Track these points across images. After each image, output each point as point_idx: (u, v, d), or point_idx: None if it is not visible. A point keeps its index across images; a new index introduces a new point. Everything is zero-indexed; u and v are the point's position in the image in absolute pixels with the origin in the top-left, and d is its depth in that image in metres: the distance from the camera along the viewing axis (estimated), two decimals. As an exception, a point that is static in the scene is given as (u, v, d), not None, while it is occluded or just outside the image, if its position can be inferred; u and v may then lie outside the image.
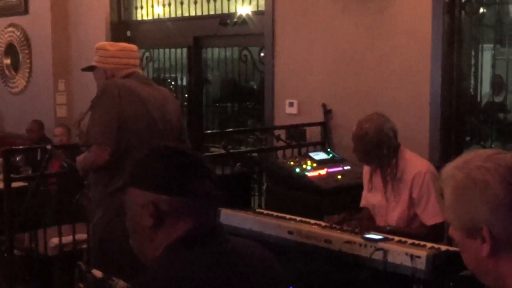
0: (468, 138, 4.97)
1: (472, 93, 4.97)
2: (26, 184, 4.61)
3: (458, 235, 1.37)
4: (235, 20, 6.05)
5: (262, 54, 6.07)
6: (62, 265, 4.29)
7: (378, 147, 3.51)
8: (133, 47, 3.55)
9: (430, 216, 3.46)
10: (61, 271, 4.30)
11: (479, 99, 5.03)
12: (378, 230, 3.33)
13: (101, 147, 3.17)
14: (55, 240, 4.32)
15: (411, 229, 3.48)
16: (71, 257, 4.00)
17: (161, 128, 3.34)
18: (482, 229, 1.31)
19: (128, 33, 7.28)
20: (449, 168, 1.39)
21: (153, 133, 3.29)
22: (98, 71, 3.44)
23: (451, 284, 2.84)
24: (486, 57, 5.08)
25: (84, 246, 4.21)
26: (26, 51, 8.11)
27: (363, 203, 3.79)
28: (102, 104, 3.22)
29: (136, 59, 3.48)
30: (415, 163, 3.55)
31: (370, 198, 3.71)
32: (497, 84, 4.96)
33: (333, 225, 3.34)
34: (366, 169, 3.77)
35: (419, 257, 2.79)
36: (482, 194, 1.32)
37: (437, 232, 3.43)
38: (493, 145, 4.85)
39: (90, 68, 3.50)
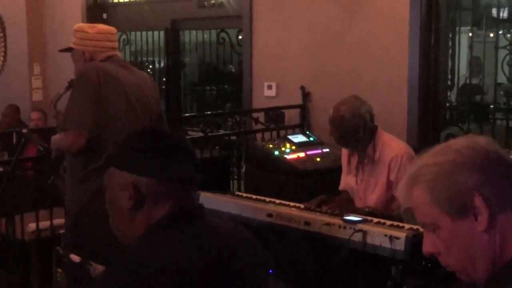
0: (445, 120, 5.01)
1: (450, 76, 5.00)
2: (1, 169, 4.55)
3: (448, 222, 1.33)
4: (213, 2, 6.00)
5: (240, 37, 6.03)
6: (39, 250, 4.24)
7: (354, 130, 3.51)
8: (112, 29, 3.50)
9: None
10: (39, 256, 4.25)
11: (456, 82, 5.07)
12: (357, 211, 3.34)
13: (79, 132, 3.13)
14: (32, 226, 4.27)
15: (390, 210, 3.50)
16: (49, 242, 3.97)
17: (139, 112, 3.31)
18: (474, 197, 1.30)
19: (104, 16, 7.20)
20: (420, 164, 1.38)
21: (131, 117, 3.27)
22: (76, 53, 3.39)
23: (429, 265, 2.86)
24: (463, 40, 5.11)
25: (62, 231, 4.16)
26: (1, 34, 7.98)
27: (342, 185, 3.80)
28: (80, 88, 3.18)
29: (114, 42, 3.44)
30: (392, 146, 3.55)
31: (349, 181, 3.72)
32: (474, 67, 4.99)
33: (312, 208, 3.35)
34: (344, 152, 3.77)
35: (398, 238, 2.81)
36: (464, 164, 1.33)
37: None
38: (470, 127, 4.89)
39: (68, 50, 3.45)
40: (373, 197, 3.56)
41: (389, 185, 3.52)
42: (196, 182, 1.67)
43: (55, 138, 3.31)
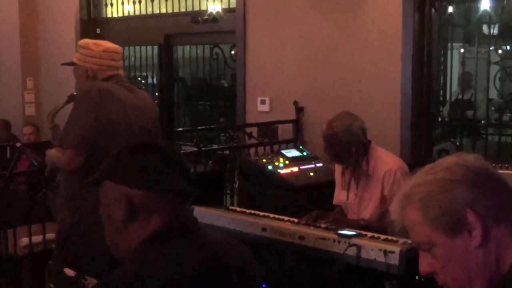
0: (438, 135, 5.03)
1: (442, 91, 5.03)
2: (-6, 183, 4.52)
3: (442, 240, 1.34)
4: (206, 17, 6.02)
5: (233, 52, 6.06)
6: (32, 265, 4.22)
7: (347, 146, 3.52)
8: (118, 48, 3.45)
9: None
10: (31, 271, 4.23)
11: (448, 97, 5.10)
12: (352, 224, 3.34)
13: (76, 152, 3.11)
14: (25, 240, 4.25)
15: (384, 223, 3.50)
16: (42, 257, 3.94)
17: (137, 133, 3.28)
18: (467, 213, 1.31)
19: (98, 31, 7.21)
20: (411, 184, 1.39)
21: (129, 137, 3.23)
22: (79, 68, 3.35)
23: (422, 279, 2.86)
24: (455, 55, 5.15)
25: (54, 245, 4.15)
26: (-6, 48, 7.97)
27: (335, 200, 3.80)
28: (82, 107, 3.14)
29: (119, 61, 3.39)
30: (386, 161, 3.56)
31: (342, 196, 3.72)
32: (465, 82, 5.02)
33: (308, 223, 3.35)
34: (337, 168, 3.78)
35: (392, 252, 2.81)
36: (455, 181, 1.34)
37: None
38: (463, 142, 4.92)
39: (71, 64, 3.42)
40: (367, 212, 3.56)
41: (383, 199, 3.52)
42: (189, 194, 1.68)
43: (51, 153, 3.29)
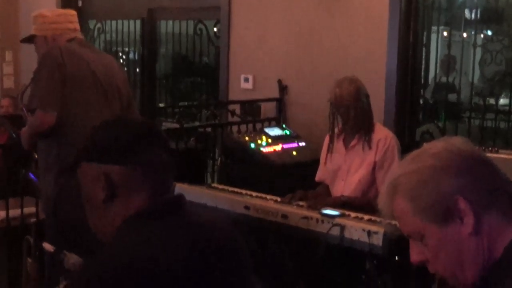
0: (421, 117, 5.03)
1: (423, 74, 5.03)
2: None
3: (433, 230, 1.31)
4: (191, -8, 5.94)
5: (215, 29, 5.99)
6: (9, 239, 4.16)
7: (368, 99, 3.59)
8: (71, 11, 3.48)
9: None
10: (8, 245, 4.18)
11: (431, 80, 5.10)
12: (333, 202, 3.32)
13: (46, 111, 3.05)
14: (1, 214, 4.19)
15: (366, 198, 3.50)
16: (19, 231, 3.89)
17: (107, 91, 3.25)
18: (458, 201, 1.28)
19: (80, 3, 7.07)
20: (399, 173, 1.36)
21: (100, 97, 3.20)
22: (39, 39, 3.33)
23: (403, 260, 2.86)
24: (440, 39, 5.14)
25: (33, 220, 4.09)
26: (-28, 20, 7.81)
27: (319, 176, 3.78)
28: (44, 68, 3.12)
29: (75, 23, 3.39)
30: (381, 129, 3.67)
31: (330, 164, 3.70)
32: (448, 66, 5.02)
33: (290, 202, 3.33)
34: (326, 140, 3.75)
35: (376, 233, 2.80)
36: (443, 168, 1.31)
37: None
38: (445, 124, 4.93)
39: (30, 39, 3.38)
40: (355, 178, 3.57)
41: (374, 166, 3.53)
42: (169, 167, 1.63)
43: (24, 129, 3.24)
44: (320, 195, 3.64)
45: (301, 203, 3.32)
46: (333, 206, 3.22)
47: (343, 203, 3.32)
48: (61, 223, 3.12)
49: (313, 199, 3.43)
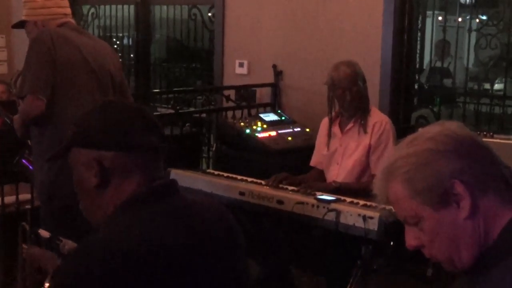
0: (416, 102, 5.03)
1: (420, 59, 5.02)
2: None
3: (430, 213, 1.31)
4: (185, -24, 5.90)
5: (210, 14, 5.96)
6: (4, 225, 4.15)
7: (364, 83, 3.59)
8: None
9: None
10: (3, 232, 4.17)
11: (426, 64, 5.09)
12: (324, 188, 3.32)
13: (35, 96, 3.03)
14: (-4, 200, 4.18)
15: (358, 183, 3.51)
16: (14, 217, 3.88)
17: (100, 77, 3.22)
18: (454, 184, 1.28)
19: (73, -12, 7.02)
20: (395, 157, 1.35)
21: (91, 82, 3.18)
22: (29, 25, 3.30)
23: (398, 245, 2.87)
24: (435, 23, 5.13)
25: (28, 206, 4.08)
26: (-36, 4, 7.75)
27: (314, 161, 3.78)
28: (34, 53, 3.09)
29: (66, 7, 3.34)
30: (377, 113, 3.67)
31: (325, 151, 3.70)
32: (443, 50, 5.01)
33: (274, 185, 3.34)
34: (324, 124, 3.75)
35: (371, 218, 2.81)
36: (440, 152, 1.31)
37: None
38: (440, 108, 4.93)
39: (21, 24, 3.35)
40: (350, 161, 3.58)
41: (369, 150, 3.53)
42: (162, 150, 1.61)
43: (16, 116, 3.23)
44: (309, 179, 3.63)
45: (290, 187, 3.32)
46: (325, 191, 3.23)
47: (335, 189, 3.32)
48: (56, 209, 3.11)
49: (305, 184, 3.42)
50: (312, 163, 3.79)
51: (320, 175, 3.74)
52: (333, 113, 3.69)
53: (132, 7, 6.56)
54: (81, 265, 1.43)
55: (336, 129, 3.68)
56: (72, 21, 3.37)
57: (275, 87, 5.25)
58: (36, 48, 3.08)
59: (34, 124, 3.15)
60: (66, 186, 2.96)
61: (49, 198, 3.17)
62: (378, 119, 3.60)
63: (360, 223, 2.83)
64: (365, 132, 3.56)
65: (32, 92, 3.03)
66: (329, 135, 3.68)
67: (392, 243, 2.86)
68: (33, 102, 3.03)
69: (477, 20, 4.88)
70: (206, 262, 1.54)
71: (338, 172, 3.60)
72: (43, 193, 3.21)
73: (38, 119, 3.07)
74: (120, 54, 6.53)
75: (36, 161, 3.28)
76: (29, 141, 3.37)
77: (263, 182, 3.41)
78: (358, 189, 3.38)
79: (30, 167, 3.53)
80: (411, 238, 1.36)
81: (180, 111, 4.77)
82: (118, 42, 7.02)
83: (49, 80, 3.04)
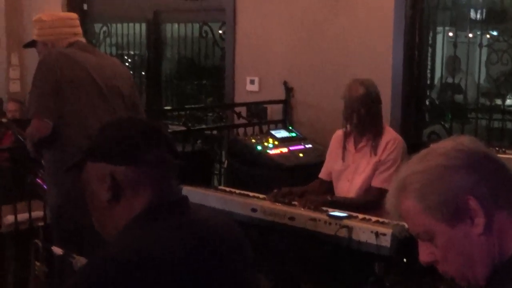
0: (427, 118, 5.02)
1: (431, 74, 5.02)
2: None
3: (443, 229, 1.29)
4: (196, -6, 5.95)
5: (220, 31, 5.99)
6: (17, 243, 4.17)
7: (377, 104, 3.59)
8: (72, 15, 3.43)
9: (383, 179, 3.50)
10: (16, 249, 4.18)
11: (437, 80, 5.08)
12: (321, 202, 3.31)
13: (40, 119, 3.05)
14: (10, 218, 4.19)
15: (351, 198, 3.51)
16: (27, 235, 3.89)
17: (107, 96, 3.22)
18: (468, 200, 1.27)
19: (85, 6, 7.09)
20: (407, 172, 1.34)
21: (99, 100, 3.17)
22: (39, 45, 3.31)
23: (410, 261, 2.85)
24: (445, 39, 5.13)
25: (41, 223, 4.10)
26: (-22, 24, 7.83)
27: (324, 174, 3.76)
28: (39, 75, 3.11)
29: (76, 27, 3.34)
30: (390, 132, 3.66)
31: (338, 165, 3.69)
32: (454, 66, 5.00)
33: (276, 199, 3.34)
34: (337, 138, 3.74)
35: (384, 234, 2.79)
36: (453, 167, 1.30)
37: (378, 196, 3.44)
38: (452, 125, 4.91)
39: (32, 44, 3.37)
40: (360, 179, 3.56)
41: (377, 165, 3.53)
42: (174, 167, 1.63)
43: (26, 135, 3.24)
44: (310, 191, 3.61)
45: (288, 200, 3.32)
46: (321, 205, 3.23)
47: (330, 203, 3.32)
48: (64, 231, 3.12)
49: (304, 198, 3.40)
50: (321, 174, 3.79)
51: (323, 186, 3.73)
52: (348, 127, 3.68)
53: (143, 25, 6.62)
54: (91, 278, 1.45)
55: (350, 145, 3.67)
56: (82, 40, 3.36)
57: (286, 104, 5.26)
58: (41, 70, 3.09)
59: (43, 146, 3.16)
60: (73, 210, 2.99)
61: (58, 221, 3.18)
62: (392, 136, 3.60)
63: (372, 240, 2.82)
64: (375, 154, 3.55)
65: (37, 114, 3.04)
66: (344, 147, 3.67)
67: (405, 259, 2.85)
68: (38, 124, 3.05)
69: (488, 36, 4.88)
70: (215, 277, 1.55)
71: (349, 190, 3.60)
72: (53, 216, 3.23)
73: (45, 141, 3.08)
74: (131, 72, 6.57)
75: (47, 180, 3.30)
76: (42, 160, 3.39)
77: (266, 197, 3.41)
78: (350, 204, 3.40)
79: (44, 186, 3.55)
80: (425, 254, 1.35)
81: (191, 128, 4.79)
82: (129, 60, 7.07)
83: (51, 101, 3.04)
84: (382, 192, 3.44)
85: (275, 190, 3.44)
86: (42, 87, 3.07)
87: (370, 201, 3.41)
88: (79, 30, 3.35)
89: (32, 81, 3.13)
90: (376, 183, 3.51)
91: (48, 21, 3.27)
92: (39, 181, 3.84)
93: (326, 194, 3.60)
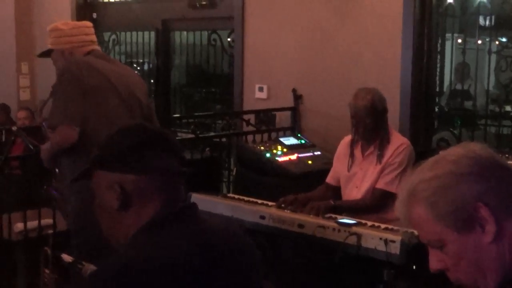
0: (437, 124, 5.01)
1: (438, 81, 5.01)
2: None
3: (454, 237, 1.29)
4: (204, 2, 5.96)
5: (229, 39, 6.00)
6: (26, 250, 4.18)
7: (383, 114, 3.57)
8: (87, 23, 3.43)
9: (386, 181, 3.50)
10: (26, 256, 4.19)
11: (446, 87, 5.08)
12: (325, 206, 3.30)
13: (68, 126, 3.05)
14: (19, 225, 4.20)
15: (353, 201, 3.52)
16: (36, 242, 3.90)
17: (129, 104, 3.23)
18: (479, 208, 1.26)
19: (94, 15, 7.13)
20: (417, 180, 1.33)
21: (121, 109, 3.19)
22: (56, 53, 3.31)
23: (420, 268, 2.84)
24: (454, 46, 5.13)
25: (50, 231, 4.11)
26: (-12, 32, 7.88)
27: (331, 178, 3.75)
28: (64, 84, 3.11)
29: (91, 35, 3.35)
30: (397, 137, 3.65)
31: (346, 172, 3.69)
32: (463, 73, 5.00)
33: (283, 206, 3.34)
34: (344, 144, 3.74)
35: (393, 241, 2.78)
36: (463, 175, 1.29)
37: (381, 199, 3.45)
38: (461, 131, 4.90)
39: (47, 53, 3.37)
40: (367, 185, 3.57)
41: (383, 168, 3.53)
42: (182, 175, 1.63)
43: (45, 146, 3.24)
44: (316, 197, 3.60)
45: (294, 208, 3.32)
46: (324, 211, 3.24)
47: (333, 207, 3.31)
48: (91, 236, 3.12)
49: (310, 204, 3.38)
50: (328, 179, 3.78)
51: (328, 191, 3.72)
52: (356, 135, 3.68)
53: (152, 33, 6.65)
54: (99, 285, 1.45)
55: (358, 152, 3.66)
56: (98, 48, 3.38)
57: (295, 111, 5.26)
58: (65, 79, 3.10)
59: (64, 153, 3.16)
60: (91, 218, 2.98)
61: (76, 230, 3.17)
62: (401, 141, 3.60)
63: (381, 247, 2.81)
64: (380, 163, 3.54)
65: (65, 122, 3.05)
66: (351, 155, 3.66)
67: (414, 266, 2.83)
68: (66, 131, 3.05)
69: (497, 42, 4.87)
70: (222, 284, 1.55)
71: (356, 196, 3.59)
72: (75, 222, 3.22)
73: (70, 148, 3.08)
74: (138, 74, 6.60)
75: (63, 192, 3.29)
76: (56, 169, 3.38)
77: (272, 204, 3.41)
78: (353, 206, 3.43)
79: (58, 194, 3.55)
80: (435, 261, 1.34)
81: (200, 135, 4.79)
82: (138, 68, 7.09)
83: (80, 110, 3.05)
84: (385, 195, 3.45)
85: (281, 199, 3.43)
86: (67, 95, 3.07)
87: (373, 203, 3.43)
88: (94, 38, 3.37)
89: (54, 90, 3.13)
90: (380, 185, 3.51)
91: (65, 30, 3.27)
92: (52, 191, 3.85)
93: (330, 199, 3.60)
